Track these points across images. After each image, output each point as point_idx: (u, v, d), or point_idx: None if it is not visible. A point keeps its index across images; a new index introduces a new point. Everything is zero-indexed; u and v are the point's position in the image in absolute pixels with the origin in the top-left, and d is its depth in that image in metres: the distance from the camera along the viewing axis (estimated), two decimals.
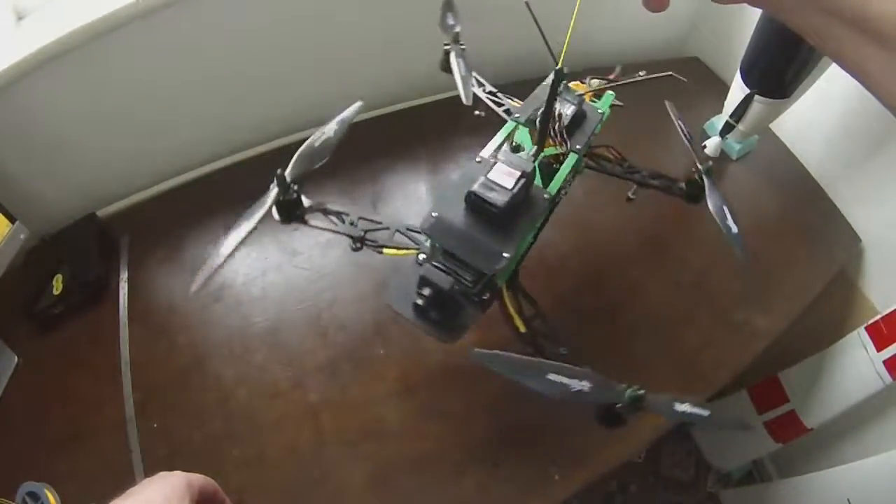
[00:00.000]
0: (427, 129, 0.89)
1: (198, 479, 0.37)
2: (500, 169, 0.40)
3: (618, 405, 0.40)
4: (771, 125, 0.90)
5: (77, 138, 0.74)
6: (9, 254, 0.65)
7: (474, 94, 0.56)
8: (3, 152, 0.69)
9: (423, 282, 0.42)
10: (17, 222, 0.66)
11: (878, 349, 0.80)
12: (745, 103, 0.81)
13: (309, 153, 0.47)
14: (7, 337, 0.67)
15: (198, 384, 0.64)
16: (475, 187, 0.39)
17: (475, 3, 0.60)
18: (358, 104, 0.50)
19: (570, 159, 0.48)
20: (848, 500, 0.86)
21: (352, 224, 0.49)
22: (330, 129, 0.48)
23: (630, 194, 0.59)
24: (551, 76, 0.39)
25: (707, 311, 0.73)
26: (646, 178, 0.60)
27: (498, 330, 0.49)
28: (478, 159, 0.44)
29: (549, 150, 0.48)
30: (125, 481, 0.35)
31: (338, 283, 0.72)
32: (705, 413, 0.42)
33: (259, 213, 0.45)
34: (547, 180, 0.46)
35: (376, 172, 0.84)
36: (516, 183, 0.40)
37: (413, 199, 0.82)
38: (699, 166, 0.55)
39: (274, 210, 0.47)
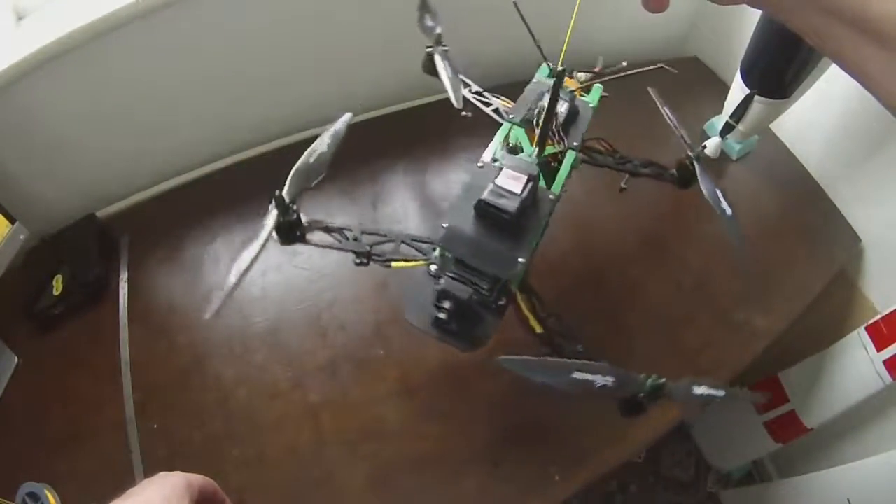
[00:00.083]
0: (427, 129, 0.88)
1: (198, 479, 0.37)
2: (506, 174, 0.41)
3: (640, 395, 0.41)
4: (771, 125, 0.90)
5: (77, 138, 0.74)
6: (9, 254, 0.65)
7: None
8: (3, 152, 0.69)
9: (443, 295, 0.41)
10: (17, 223, 0.66)
11: (878, 349, 0.80)
12: (745, 103, 0.81)
13: (305, 170, 0.46)
14: (7, 337, 0.67)
15: (198, 384, 0.64)
16: (485, 195, 0.40)
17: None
18: (348, 115, 0.49)
19: (569, 157, 0.48)
20: (848, 500, 0.85)
21: (355, 240, 0.48)
22: (322, 143, 0.47)
23: (622, 184, 0.59)
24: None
25: (707, 311, 0.73)
26: (637, 168, 0.60)
27: (510, 333, 0.48)
28: (479, 164, 0.44)
29: (548, 149, 0.48)
30: (125, 481, 0.35)
31: (338, 284, 0.72)
32: (721, 393, 0.43)
33: (261, 238, 0.44)
34: (548, 180, 0.46)
35: (376, 173, 0.84)
36: (524, 187, 0.40)
37: (413, 200, 0.82)
38: (689, 153, 0.56)
39: (274, 233, 0.45)
